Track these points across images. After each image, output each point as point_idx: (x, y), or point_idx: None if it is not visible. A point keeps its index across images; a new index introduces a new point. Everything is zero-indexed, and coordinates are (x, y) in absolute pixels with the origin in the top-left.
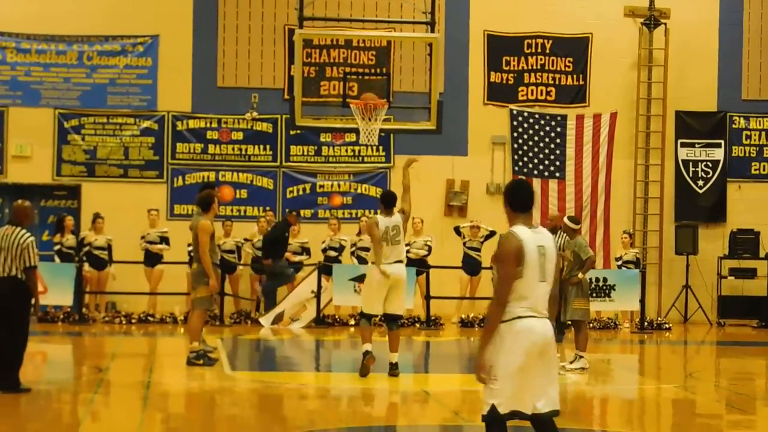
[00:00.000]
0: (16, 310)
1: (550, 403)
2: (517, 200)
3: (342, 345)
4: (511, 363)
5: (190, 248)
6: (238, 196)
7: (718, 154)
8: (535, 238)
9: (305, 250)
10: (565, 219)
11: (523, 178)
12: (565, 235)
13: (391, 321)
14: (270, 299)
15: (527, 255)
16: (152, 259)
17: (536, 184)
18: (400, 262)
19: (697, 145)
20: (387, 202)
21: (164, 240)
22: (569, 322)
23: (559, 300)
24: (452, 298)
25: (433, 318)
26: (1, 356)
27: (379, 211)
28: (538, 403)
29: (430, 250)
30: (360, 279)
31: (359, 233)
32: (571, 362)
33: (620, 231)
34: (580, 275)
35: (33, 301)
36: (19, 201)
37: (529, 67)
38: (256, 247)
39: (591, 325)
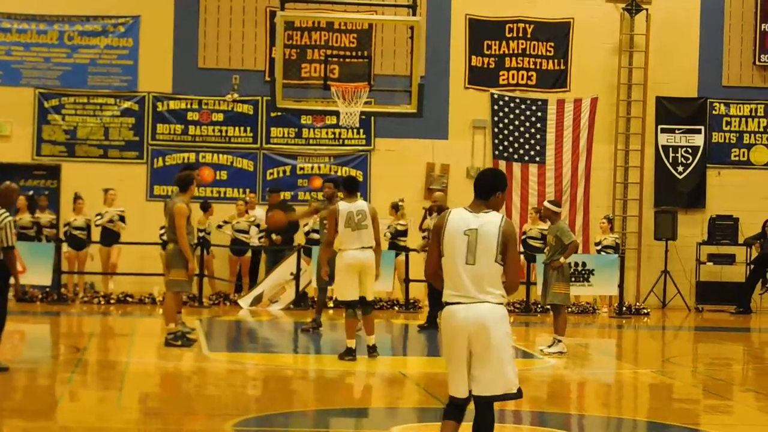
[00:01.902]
0: None
1: (482, 387)
2: (475, 185)
3: (321, 327)
4: (444, 349)
5: (162, 231)
6: (218, 177)
7: (698, 140)
8: (467, 221)
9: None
10: (546, 203)
11: (494, 167)
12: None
13: (365, 305)
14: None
15: (446, 236)
16: (110, 238)
17: (516, 168)
18: (368, 248)
19: (677, 131)
20: (349, 187)
21: (122, 219)
22: (548, 306)
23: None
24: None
25: (411, 301)
26: None
27: (341, 195)
28: (471, 388)
29: (405, 232)
30: None
31: None
32: (549, 346)
33: (600, 216)
34: (561, 259)
35: (12, 281)
36: (6, 183)
37: (511, 52)
38: (235, 230)
39: (569, 309)
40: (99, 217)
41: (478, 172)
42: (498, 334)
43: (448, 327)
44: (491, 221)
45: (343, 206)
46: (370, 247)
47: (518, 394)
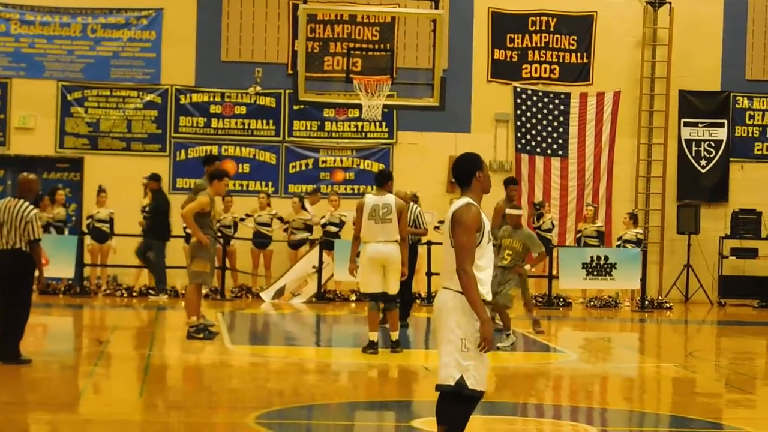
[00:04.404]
0: (19, 282)
1: (440, 376)
2: (454, 178)
3: (343, 320)
4: None
5: (185, 224)
6: (240, 170)
7: (721, 133)
8: (450, 210)
9: (308, 228)
10: (510, 210)
11: (464, 153)
12: (417, 208)
13: (388, 300)
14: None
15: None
16: None
17: (539, 162)
18: (392, 242)
19: (700, 125)
20: (379, 180)
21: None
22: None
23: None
24: None
25: (434, 294)
26: (3, 327)
27: (374, 188)
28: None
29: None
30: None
31: None
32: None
33: (622, 209)
34: (527, 267)
35: (37, 273)
36: (24, 174)
37: (533, 45)
38: (257, 223)
39: (591, 303)
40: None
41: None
42: (443, 323)
43: None
44: (452, 208)
45: (370, 199)
46: (395, 241)
47: (455, 388)
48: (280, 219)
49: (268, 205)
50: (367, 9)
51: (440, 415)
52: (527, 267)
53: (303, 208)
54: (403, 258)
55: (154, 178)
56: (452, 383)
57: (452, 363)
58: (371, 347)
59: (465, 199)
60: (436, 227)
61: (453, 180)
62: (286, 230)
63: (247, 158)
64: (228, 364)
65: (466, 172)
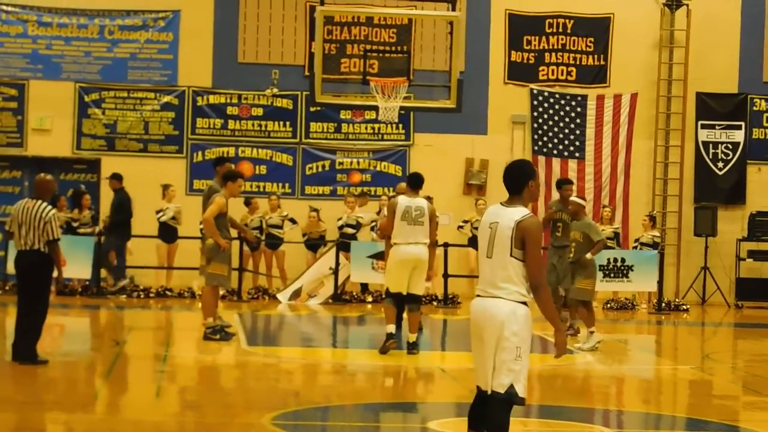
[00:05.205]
0: (38, 283)
1: (484, 382)
2: (504, 181)
3: (359, 321)
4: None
5: (202, 225)
6: (257, 172)
7: (739, 136)
8: (496, 214)
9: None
10: (575, 198)
11: (519, 159)
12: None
13: (411, 301)
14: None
15: (479, 229)
16: (170, 234)
17: (555, 164)
18: (422, 243)
19: (717, 127)
20: (412, 183)
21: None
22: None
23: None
24: (470, 277)
25: (450, 296)
26: (21, 328)
27: (403, 189)
28: (478, 380)
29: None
30: (378, 256)
31: (380, 212)
32: (585, 342)
33: (639, 211)
34: (588, 255)
35: (56, 274)
36: (41, 174)
37: (550, 47)
38: (268, 225)
39: (608, 305)
40: (161, 213)
41: (506, 167)
42: (495, 331)
43: (471, 319)
44: (510, 216)
45: (403, 200)
46: (424, 244)
47: (505, 396)
48: (292, 220)
49: (279, 206)
50: (384, 11)
51: (495, 423)
52: (588, 255)
53: (319, 219)
54: (431, 262)
55: (116, 177)
56: (502, 391)
57: (504, 371)
58: (390, 338)
59: (524, 209)
60: (460, 227)
61: (466, 182)
62: (306, 242)
63: (263, 160)
64: (244, 364)
65: (518, 179)
